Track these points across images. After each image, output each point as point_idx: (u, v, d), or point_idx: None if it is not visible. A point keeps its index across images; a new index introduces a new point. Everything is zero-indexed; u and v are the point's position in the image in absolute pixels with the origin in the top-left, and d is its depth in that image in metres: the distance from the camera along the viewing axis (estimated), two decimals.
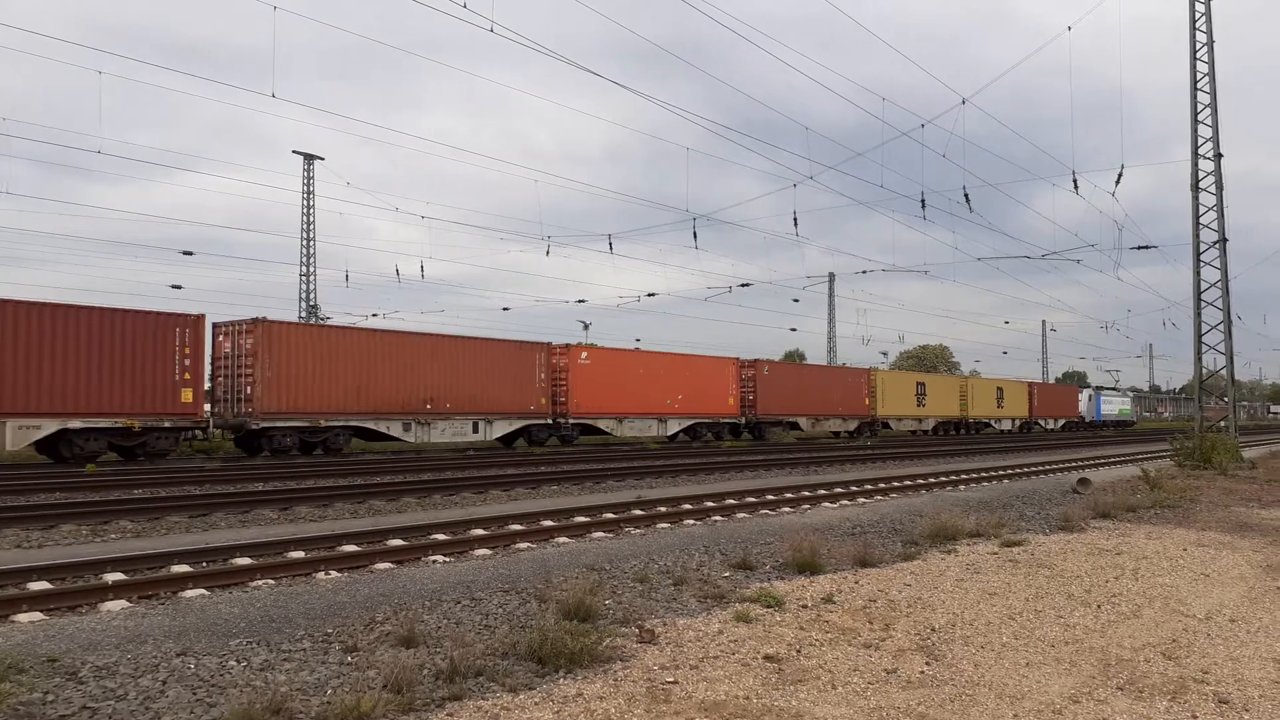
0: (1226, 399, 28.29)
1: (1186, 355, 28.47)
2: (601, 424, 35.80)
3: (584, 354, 35.15)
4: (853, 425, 49.34)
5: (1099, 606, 7.52)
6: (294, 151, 52.83)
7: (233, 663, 5.51)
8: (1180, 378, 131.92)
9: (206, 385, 25.93)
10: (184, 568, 9.00)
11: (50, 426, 21.78)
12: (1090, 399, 77.47)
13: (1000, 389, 62.74)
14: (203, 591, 7.97)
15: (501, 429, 32.40)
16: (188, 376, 24.05)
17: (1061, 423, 71.34)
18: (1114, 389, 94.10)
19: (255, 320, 25.83)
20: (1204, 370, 27.63)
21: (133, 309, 23.42)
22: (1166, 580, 8.73)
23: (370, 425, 28.33)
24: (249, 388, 25.37)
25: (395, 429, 28.87)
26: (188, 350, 24.00)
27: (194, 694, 4.93)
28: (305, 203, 50.71)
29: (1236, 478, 21.23)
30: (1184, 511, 14.42)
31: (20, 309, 21.37)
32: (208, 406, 26.40)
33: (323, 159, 51.19)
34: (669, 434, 38.98)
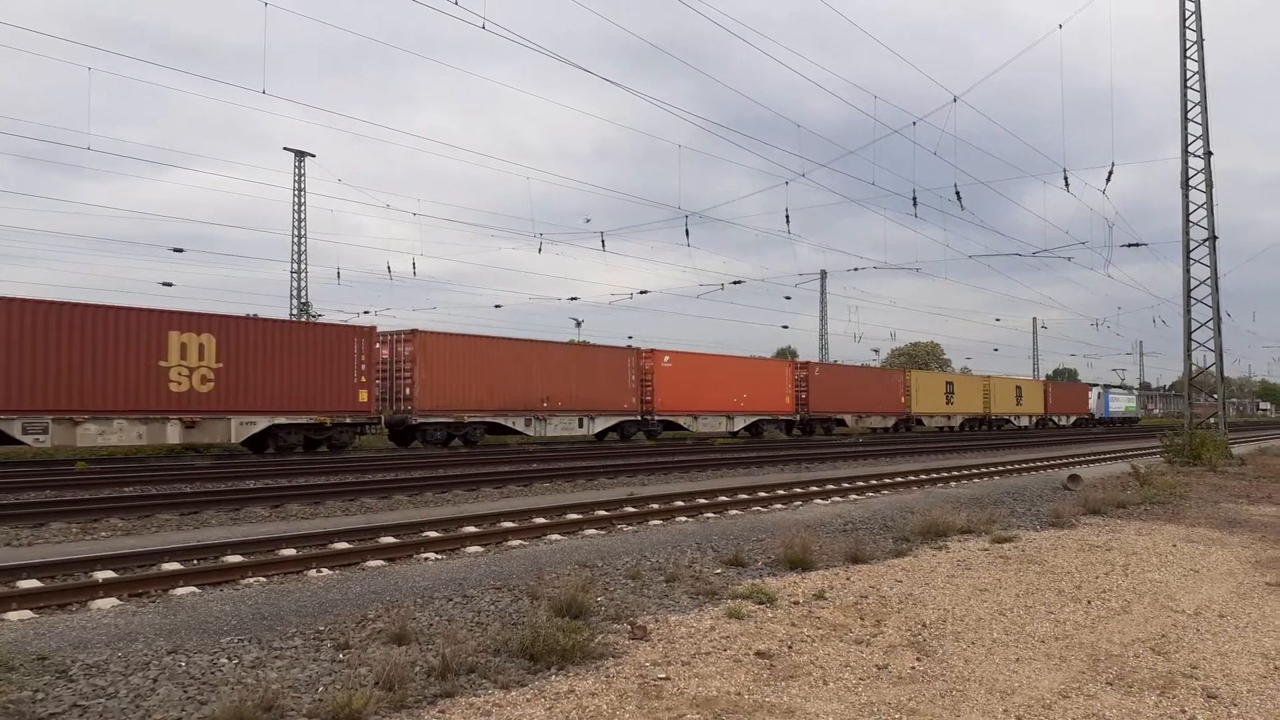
0: (1216, 396, 28.41)
1: (1176, 352, 28.60)
2: (680, 420, 39.23)
3: (666, 358, 38.33)
4: (890, 422, 52.21)
5: (1089, 602, 7.56)
6: (285, 148, 52.67)
7: (224, 660, 5.50)
8: (1170, 375, 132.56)
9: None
10: (175, 565, 8.99)
11: (263, 423, 25.63)
12: (1099, 397, 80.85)
13: (1019, 388, 66.47)
14: (194, 589, 7.96)
15: (601, 424, 36.12)
16: (363, 379, 27.74)
17: (1073, 419, 74.40)
18: (1120, 387, 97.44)
19: (413, 331, 29.75)
20: (1194, 367, 27.76)
21: (325, 323, 28.24)
22: (1156, 576, 8.78)
23: (500, 421, 32.08)
24: (407, 389, 29.17)
25: (519, 424, 32.64)
26: (363, 357, 27.78)
27: (185, 691, 4.92)
28: (296, 199, 50.61)
29: (1226, 474, 21.33)
30: (1174, 508, 14.48)
31: (253, 325, 25.74)
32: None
33: (314, 156, 51.14)
34: (735, 429, 41.97)
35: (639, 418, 37.37)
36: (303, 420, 26.47)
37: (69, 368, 21.84)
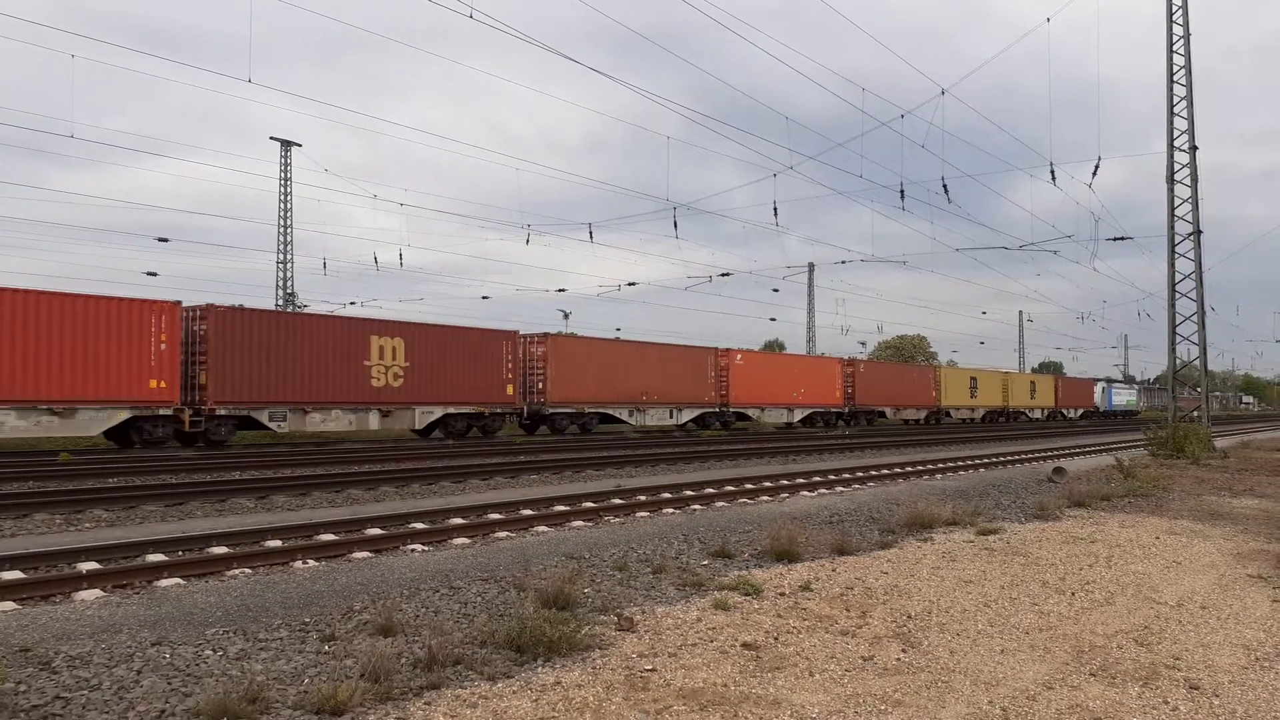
0: (1199, 389, 28.62)
1: (1161, 346, 28.79)
2: (750, 412, 43.36)
3: (739, 356, 43.00)
4: (922, 414, 56.93)
5: (1073, 594, 7.61)
6: (271, 138, 52.34)
7: (208, 652, 5.48)
8: (1155, 368, 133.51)
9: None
10: (159, 557, 8.94)
11: (439, 412, 30.23)
12: (1103, 391, 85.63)
13: (1033, 383, 71.75)
14: (178, 580, 7.92)
15: (687, 415, 40.20)
16: (510, 376, 32.28)
17: (1080, 412, 78.77)
18: (1122, 382, 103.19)
19: (545, 335, 34.69)
20: (1178, 361, 27.93)
21: (482, 328, 32.78)
22: (1139, 568, 8.84)
23: (610, 412, 36.41)
24: (540, 384, 33.58)
25: (624, 414, 36.90)
26: (510, 357, 32.31)
27: (169, 683, 4.90)
28: (283, 189, 50.30)
29: (1209, 467, 21.50)
30: (1157, 500, 14.59)
31: (430, 330, 30.34)
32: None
33: (300, 145, 50.71)
34: (794, 420, 46.23)
35: (717, 409, 41.53)
36: (467, 410, 31.05)
37: (300, 367, 26.16)
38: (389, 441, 29.49)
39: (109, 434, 23.67)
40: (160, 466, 18.33)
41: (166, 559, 8.78)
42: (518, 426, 34.47)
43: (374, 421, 28.31)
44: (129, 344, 22.74)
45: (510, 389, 32.27)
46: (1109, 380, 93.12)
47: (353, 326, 28.02)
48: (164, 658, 5.33)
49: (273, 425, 25.84)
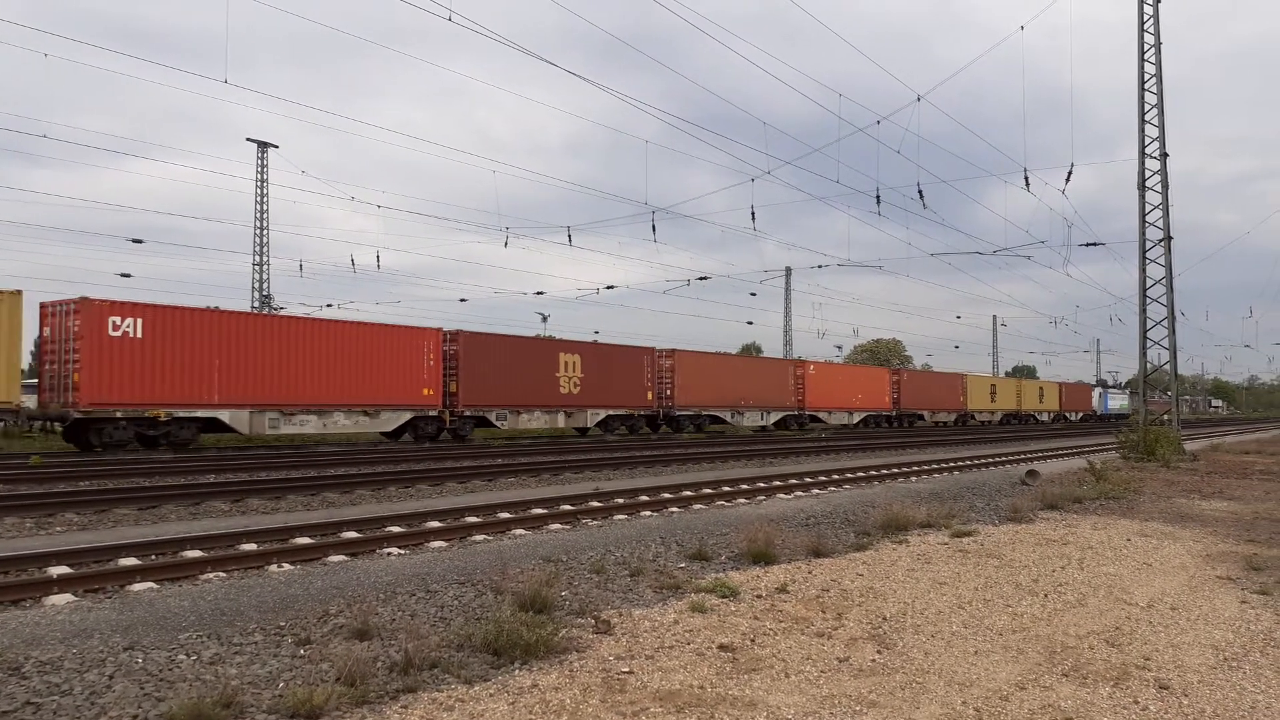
0: (1169, 393, 28.97)
1: (1132, 350, 29.11)
2: (821, 415, 50.64)
3: (812, 367, 50.78)
4: (952, 417, 63.93)
5: (1045, 595, 7.69)
6: (248, 139, 51.97)
7: (182, 656, 5.43)
8: (1126, 372, 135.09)
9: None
10: (132, 561, 8.86)
11: (603, 414, 37.49)
12: (1100, 396, 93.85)
13: (1041, 389, 79.52)
14: (151, 585, 7.85)
15: (774, 417, 47.44)
16: (649, 384, 39.54)
17: (1080, 415, 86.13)
18: (1115, 387, 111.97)
19: (673, 350, 41.56)
20: (1148, 365, 28.27)
21: (629, 345, 40.26)
22: (1110, 570, 8.94)
23: (717, 414, 43.72)
24: (669, 390, 40.62)
25: (727, 416, 44.39)
26: (649, 369, 39.69)
27: (141, 688, 4.86)
28: (259, 191, 49.96)
29: (1178, 469, 21.77)
30: (1128, 503, 14.76)
31: (598, 347, 37.75)
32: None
33: (277, 147, 50.38)
34: (855, 422, 53.29)
35: (795, 412, 48.79)
36: (621, 412, 38.27)
37: (515, 378, 33.13)
38: (364, 444, 29.33)
39: (388, 433, 30.45)
40: (133, 470, 18.14)
41: (139, 563, 8.69)
42: (644, 425, 40.64)
43: (560, 421, 35.59)
44: (410, 362, 29.58)
45: (650, 395, 39.75)
46: (1104, 386, 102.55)
47: (548, 345, 36.10)
48: (136, 662, 5.28)
49: (499, 423, 33.28)
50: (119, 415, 22.95)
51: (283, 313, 45.30)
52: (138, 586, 7.76)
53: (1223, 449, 32.30)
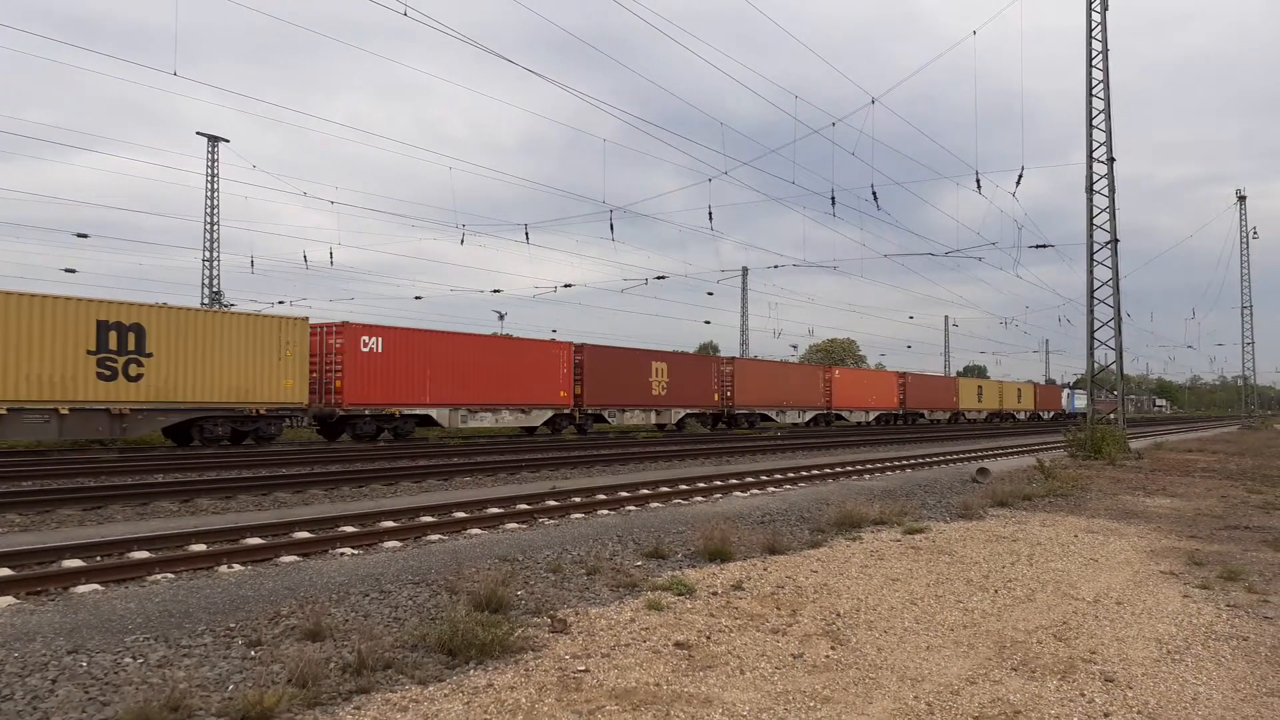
0: (1116, 392, 29.59)
1: (1080, 350, 29.73)
2: (844, 413, 57.35)
3: (837, 372, 57.95)
4: (946, 416, 70.27)
5: (995, 591, 7.81)
6: (198, 133, 51.00)
7: (128, 660, 5.32)
8: (1074, 372, 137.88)
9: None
10: (76, 562, 8.65)
11: (682, 413, 43.94)
12: (1068, 396, 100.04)
13: (1019, 390, 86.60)
14: (96, 587, 7.68)
15: (809, 415, 54.20)
16: (716, 387, 46.03)
17: (1052, 414, 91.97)
18: (1081, 389, 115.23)
19: (733, 358, 49.52)
20: (1096, 365, 28.85)
21: (704, 355, 49.99)
22: (1058, 565, 9.11)
23: (766, 413, 50.44)
24: (729, 392, 46.93)
25: (773, 414, 50.72)
26: (716, 374, 46.42)
27: (86, 692, 4.75)
28: (209, 186, 49.08)
29: (1124, 467, 22.25)
30: (1075, 500, 15.05)
31: (679, 356, 45.39)
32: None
33: (228, 141, 49.53)
34: (871, 420, 59.98)
35: (825, 411, 55.66)
36: (695, 411, 45.16)
37: (622, 382, 39.79)
38: (317, 444, 28.96)
39: (524, 429, 36.64)
40: (78, 470, 17.74)
41: (84, 564, 8.50)
42: (712, 422, 46.90)
43: (653, 417, 42.33)
44: (551, 370, 36.17)
45: (716, 396, 46.00)
46: (1071, 387, 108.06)
47: (645, 355, 42.17)
48: (81, 666, 5.17)
49: (610, 420, 39.78)
50: (367, 413, 29.24)
51: (233, 309, 44.71)
52: (82, 588, 7.59)
53: (1166, 447, 33.07)
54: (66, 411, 22.14)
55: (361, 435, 29.11)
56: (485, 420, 33.57)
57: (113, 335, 23.01)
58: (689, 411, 44.54)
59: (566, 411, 37.09)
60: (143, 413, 23.69)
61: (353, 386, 28.30)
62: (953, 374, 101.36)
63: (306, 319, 27.87)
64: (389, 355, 29.48)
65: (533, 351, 35.91)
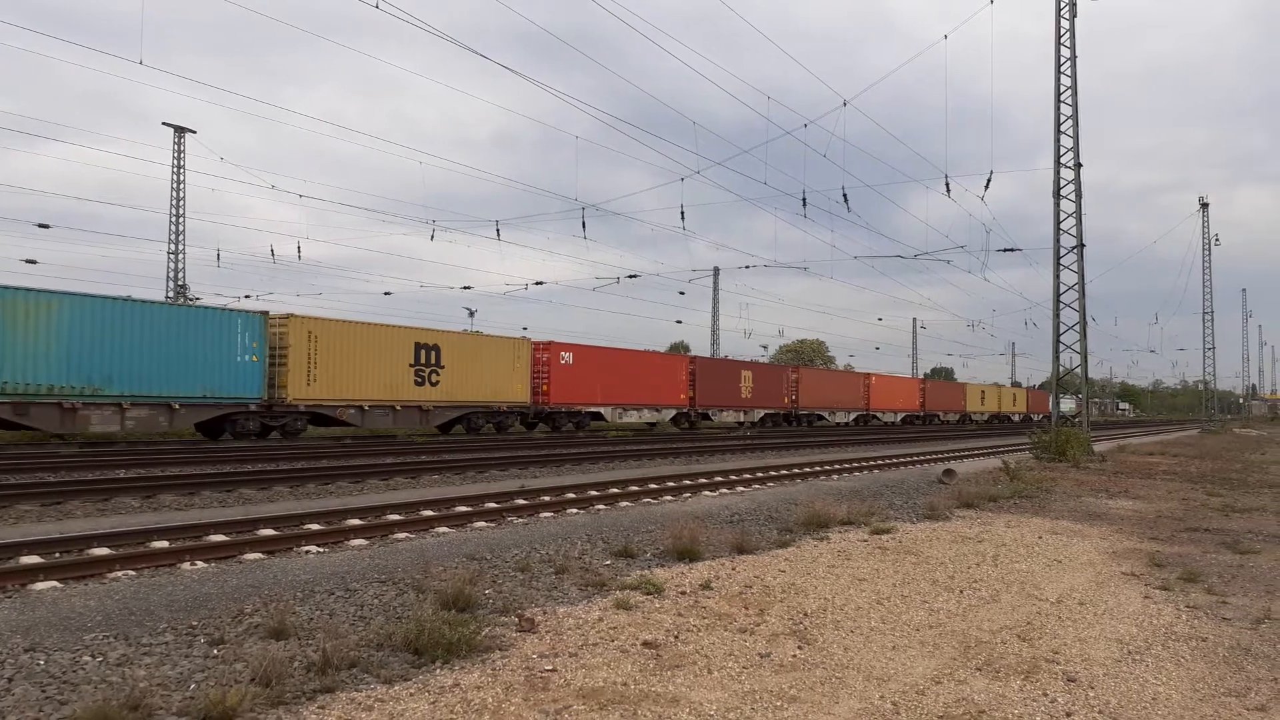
0: (1080, 395, 29.96)
1: (1046, 353, 30.11)
2: (878, 414, 63.74)
3: (873, 378, 64.29)
4: (956, 417, 77.37)
5: (961, 592, 7.88)
6: (164, 124, 50.27)
7: (87, 658, 5.23)
8: (1040, 375, 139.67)
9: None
10: (34, 559, 8.50)
11: (762, 414, 51.20)
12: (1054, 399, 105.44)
13: (1015, 395, 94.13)
14: (55, 584, 7.54)
15: (851, 417, 60.80)
16: (787, 390, 53.26)
17: (1040, 415, 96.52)
18: (1066, 393, 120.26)
19: (797, 366, 58.38)
20: (1061, 368, 29.21)
21: (777, 365, 60.26)
22: (1023, 566, 9.21)
23: (821, 413, 57.19)
24: (794, 395, 54.16)
25: (827, 415, 57.47)
26: (788, 379, 54.14)
27: (43, 691, 4.67)
28: (175, 177, 48.40)
29: (1088, 470, 22.55)
30: (1040, 501, 15.23)
31: (760, 366, 53.98)
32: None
33: (195, 132, 48.83)
34: (899, 420, 66.87)
35: (864, 413, 62.07)
36: (772, 411, 51.73)
37: (723, 386, 47.60)
38: (283, 440, 28.66)
39: (651, 423, 44.42)
40: (37, 464, 17.43)
41: (42, 561, 8.35)
42: (783, 421, 53.56)
43: (741, 416, 49.64)
44: (675, 377, 44.47)
45: (786, 399, 53.21)
46: (1060, 392, 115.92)
47: (736, 365, 51.14)
48: (38, 664, 5.07)
49: (714, 418, 47.40)
50: (563, 410, 37.51)
51: (199, 303, 44.27)
52: (40, 585, 7.45)
53: (1129, 450, 33.56)
54: (399, 408, 30.33)
55: (559, 428, 37.51)
56: (632, 416, 42.41)
57: (423, 353, 31.29)
58: (767, 412, 51.80)
59: (685, 410, 45.67)
60: (439, 408, 32.07)
61: (556, 390, 36.98)
62: (919, 376, 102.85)
63: (528, 339, 36.88)
64: (577, 366, 38.20)
65: (662, 363, 46.07)
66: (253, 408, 26.31)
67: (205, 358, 24.98)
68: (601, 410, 39.67)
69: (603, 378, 39.42)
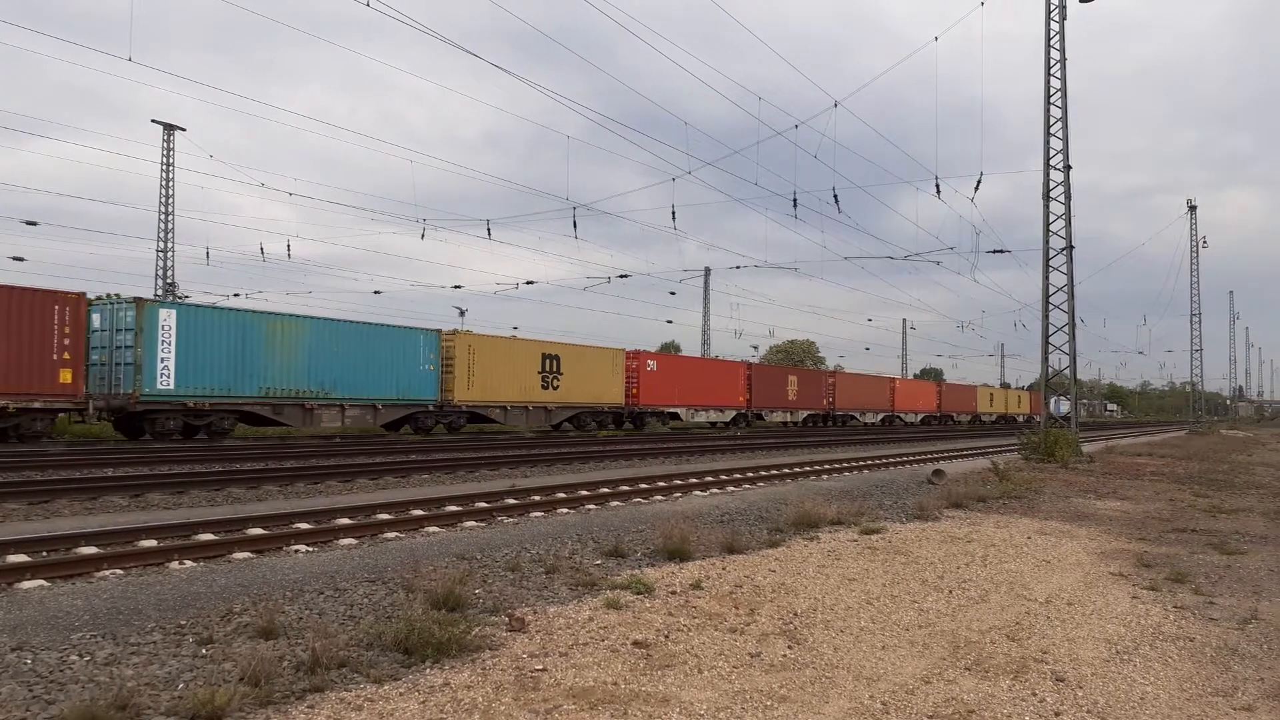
0: (1069, 396, 30.08)
1: (1035, 355, 30.28)
2: (901, 416, 70.10)
3: (897, 382, 71.36)
4: (968, 417, 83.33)
5: (950, 592, 7.90)
6: (153, 121, 50.01)
7: (74, 657, 5.21)
8: (1029, 376, 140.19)
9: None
10: (21, 557, 8.45)
11: (805, 414, 57.42)
12: (1055, 401, 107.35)
13: (1020, 397, 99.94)
14: (42, 583, 7.50)
15: (879, 417, 66.17)
16: (824, 393, 59.38)
17: (1041, 418, 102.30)
18: (1065, 395, 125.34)
19: (834, 371, 64.76)
20: (1050, 369, 29.31)
21: (815, 369, 72.93)
22: (1012, 566, 9.24)
23: (854, 413, 62.80)
24: (831, 398, 59.57)
25: (858, 415, 62.94)
26: (824, 383, 60.38)
27: (30, 691, 4.64)
28: (164, 175, 48.20)
29: (1076, 470, 22.63)
30: (1029, 502, 15.28)
31: (805, 371, 62.63)
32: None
33: (184, 129, 48.66)
34: (918, 420, 73.03)
35: (889, 413, 67.88)
36: (812, 412, 57.91)
37: (771, 390, 53.37)
38: (272, 439, 28.59)
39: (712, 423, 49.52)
40: (25, 463, 17.33)
41: (29, 559, 8.30)
42: (822, 421, 59.50)
43: (788, 417, 55.22)
44: (734, 381, 50.30)
45: (825, 401, 58.84)
46: (1058, 394, 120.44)
47: (785, 370, 57.53)
48: (25, 664, 5.04)
49: (766, 418, 53.41)
50: (649, 411, 44.21)
51: (188, 301, 44.25)
52: (27, 584, 7.41)
53: (1117, 451, 33.70)
54: (530, 408, 36.89)
55: (644, 425, 43.93)
56: (702, 416, 48.30)
57: (547, 361, 37.97)
58: (809, 412, 57.59)
59: (743, 411, 50.91)
60: (558, 409, 38.64)
61: (644, 393, 43.78)
62: (910, 376, 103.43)
63: (624, 350, 43.63)
64: (660, 373, 45.13)
65: (725, 369, 51.38)
66: (430, 407, 32.65)
67: (398, 367, 31.26)
68: (679, 410, 46.39)
69: (679, 382, 46.26)
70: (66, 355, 23.14)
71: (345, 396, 29.39)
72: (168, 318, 25.20)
